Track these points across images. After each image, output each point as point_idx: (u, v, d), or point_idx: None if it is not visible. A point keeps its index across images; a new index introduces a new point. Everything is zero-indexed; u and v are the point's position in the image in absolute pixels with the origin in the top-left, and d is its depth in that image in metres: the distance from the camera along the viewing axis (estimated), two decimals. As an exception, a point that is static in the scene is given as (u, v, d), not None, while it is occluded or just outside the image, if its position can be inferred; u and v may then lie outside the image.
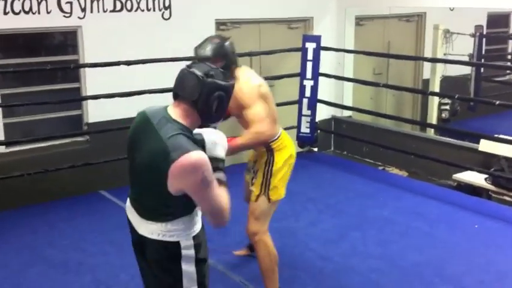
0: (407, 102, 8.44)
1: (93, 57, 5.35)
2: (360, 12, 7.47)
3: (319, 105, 6.62)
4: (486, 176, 5.69)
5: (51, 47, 5.64)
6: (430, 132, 7.32)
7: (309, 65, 6.39)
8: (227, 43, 3.26)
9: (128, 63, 5.16)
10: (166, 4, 5.85)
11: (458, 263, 4.06)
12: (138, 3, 5.65)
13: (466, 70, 8.16)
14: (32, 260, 4.11)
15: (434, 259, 4.10)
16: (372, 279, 3.84)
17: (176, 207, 2.24)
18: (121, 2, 5.55)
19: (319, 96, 6.54)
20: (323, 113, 7.08)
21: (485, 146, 5.82)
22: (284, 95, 6.71)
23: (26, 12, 5.04)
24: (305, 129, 6.52)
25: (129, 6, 5.60)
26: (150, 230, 2.28)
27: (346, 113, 7.35)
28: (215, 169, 2.23)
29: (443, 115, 7.84)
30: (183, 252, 2.27)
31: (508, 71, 9.37)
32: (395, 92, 7.74)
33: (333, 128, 7.44)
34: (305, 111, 6.49)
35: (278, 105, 6.50)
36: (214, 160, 2.25)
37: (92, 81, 5.47)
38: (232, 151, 3.10)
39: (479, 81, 8.21)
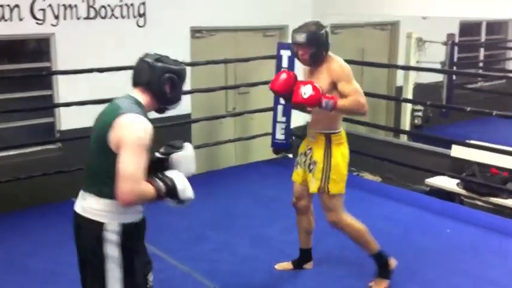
0: (381, 109, 8.53)
1: (65, 64, 5.31)
2: (335, 21, 7.54)
3: (294, 112, 6.65)
4: (458, 181, 5.78)
5: (23, 54, 5.59)
6: (404, 139, 7.42)
7: (284, 72, 6.42)
8: (322, 31, 3.44)
9: (101, 70, 5.13)
10: (141, 11, 5.84)
11: (432, 267, 4.10)
12: (113, 11, 5.63)
13: (439, 77, 8.29)
14: (6, 269, 4.05)
15: (408, 264, 4.13)
16: (346, 284, 3.86)
17: (110, 179, 2.31)
18: (95, 9, 5.52)
19: (294, 103, 6.57)
20: (298, 119, 7.11)
21: (457, 151, 5.92)
22: (259, 102, 6.75)
23: (-2, 19, 5.00)
24: (280, 135, 6.55)
25: (103, 13, 5.58)
26: (83, 207, 2.43)
27: (321, 120, 7.39)
28: (166, 189, 2.39)
29: (416, 121, 7.94)
30: (107, 234, 2.38)
31: (479, 79, 9.53)
32: (369, 98, 7.73)
33: (308, 134, 7.47)
34: (280, 117, 6.52)
35: (253, 112, 6.64)
36: (168, 178, 2.42)
37: (65, 89, 5.42)
38: (332, 109, 3.35)
39: (452, 88, 8.36)
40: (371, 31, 8.28)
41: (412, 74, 7.75)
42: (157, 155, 2.55)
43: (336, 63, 3.44)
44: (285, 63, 6.40)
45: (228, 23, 6.55)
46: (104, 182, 2.38)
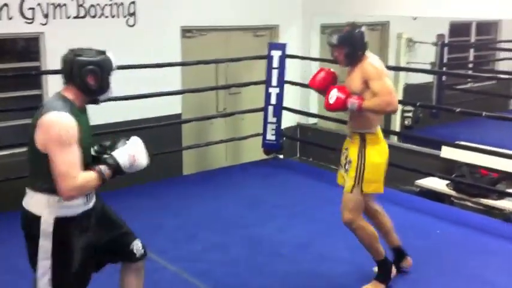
0: (372, 109, 8.53)
1: (55, 63, 5.23)
2: (325, 21, 7.54)
3: (284, 113, 6.66)
4: (448, 182, 5.80)
5: (12, 54, 5.54)
6: (393, 139, 7.43)
7: (275, 72, 6.43)
8: (355, 31, 3.48)
9: (92, 70, 5.10)
10: (131, 11, 5.81)
11: (424, 268, 4.11)
12: (102, 10, 5.60)
13: (429, 78, 8.32)
14: (2, 270, 4.01)
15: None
16: (340, 284, 3.86)
17: (45, 176, 2.48)
18: (85, 9, 5.49)
19: (285, 104, 6.58)
20: (289, 120, 7.12)
21: (447, 152, 5.94)
22: (250, 103, 6.74)
23: (-13, 18, 4.95)
24: (271, 136, 6.55)
25: (93, 12, 5.55)
26: (25, 200, 2.60)
27: (312, 121, 7.40)
28: (104, 163, 2.54)
29: (406, 122, 7.96)
30: (42, 226, 2.53)
31: (469, 79, 9.58)
32: (360, 99, 7.82)
33: (299, 135, 7.49)
34: (271, 118, 6.52)
35: (243, 112, 6.63)
36: (110, 158, 2.56)
37: (54, 88, 5.33)
38: (358, 110, 3.43)
39: (441, 89, 8.39)
40: (361, 31, 8.28)
41: (402, 75, 7.76)
42: (93, 153, 2.67)
43: (367, 62, 3.48)
44: (275, 63, 6.40)
45: (219, 22, 6.53)
46: (37, 177, 2.57)
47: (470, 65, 9.98)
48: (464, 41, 9.78)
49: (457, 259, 4.28)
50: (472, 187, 5.57)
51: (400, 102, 7.53)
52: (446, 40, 8.48)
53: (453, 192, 5.75)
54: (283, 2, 7.10)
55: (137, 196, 5.55)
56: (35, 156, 2.54)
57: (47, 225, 2.54)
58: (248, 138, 6.70)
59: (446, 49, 8.39)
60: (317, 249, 4.39)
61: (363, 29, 3.54)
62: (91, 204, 2.70)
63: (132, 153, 2.60)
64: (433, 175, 5.74)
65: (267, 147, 6.64)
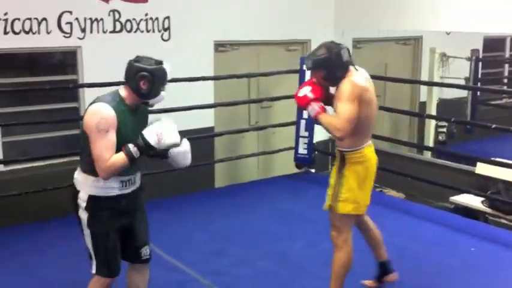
0: (404, 124, 8.47)
1: (92, 77, 5.38)
2: (358, 35, 7.54)
3: (316, 127, 6.64)
4: (483, 198, 5.70)
5: (50, 67, 5.68)
6: (427, 155, 7.35)
7: (307, 86, 6.42)
8: (331, 53, 3.33)
9: (127, 83, 5.18)
10: (166, 26, 5.91)
11: (455, 286, 4.04)
12: (138, 25, 5.71)
13: (463, 93, 8.21)
14: (28, 280, 4.08)
15: (431, 282, 4.09)
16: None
17: (86, 157, 2.88)
18: (121, 23, 5.61)
19: (317, 118, 6.56)
20: (321, 134, 7.10)
21: (482, 169, 5.84)
22: (282, 117, 6.75)
23: (26, 32, 5.09)
24: (303, 150, 6.54)
25: (128, 27, 5.66)
26: (74, 176, 3.01)
27: (344, 135, 7.37)
28: (135, 145, 2.84)
29: (440, 138, 7.87)
30: (79, 201, 2.95)
31: (503, 95, 9.42)
32: (392, 114, 7.78)
33: (331, 149, 7.45)
34: (303, 132, 6.52)
35: (275, 126, 6.64)
36: (141, 138, 2.85)
37: (90, 101, 5.48)
38: (314, 118, 3.40)
39: (476, 104, 8.26)
40: (394, 46, 8.25)
41: (436, 90, 7.69)
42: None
43: (344, 81, 3.32)
44: (307, 77, 6.40)
45: (251, 37, 6.59)
46: (81, 159, 2.99)
47: (505, 80, 9.82)
48: (498, 56, 9.64)
49: (490, 278, 4.18)
50: (508, 204, 5.46)
51: (434, 117, 7.57)
52: (481, 55, 8.37)
53: (488, 210, 5.65)
54: (315, 17, 7.12)
55: (168, 208, 5.60)
56: (82, 139, 2.90)
57: (82, 201, 2.94)
58: (280, 152, 6.71)
59: (480, 64, 8.27)
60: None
61: (341, 48, 3.38)
62: (127, 191, 3.01)
63: (158, 131, 2.88)
64: (468, 192, 5.65)
65: (299, 161, 6.63)
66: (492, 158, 5.62)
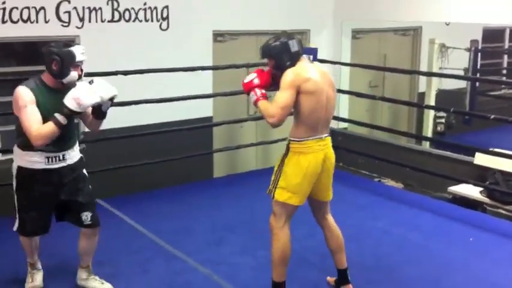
0: (403, 115, 8.47)
1: (90, 66, 5.34)
2: (357, 26, 7.52)
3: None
4: (481, 189, 5.71)
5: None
6: (426, 145, 7.35)
7: (306, 77, 6.41)
8: (276, 43, 3.43)
9: (125, 73, 5.16)
10: (164, 15, 5.87)
11: (455, 276, 4.06)
12: (136, 14, 5.68)
13: (462, 84, 8.20)
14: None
15: (430, 272, 4.10)
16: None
17: (17, 131, 3.38)
18: (119, 12, 5.57)
19: (316, 108, 6.55)
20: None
21: (480, 159, 5.85)
22: (280, 107, 6.72)
23: (24, 21, 5.06)
24: (301, 140, 6.52)
25: (127, 16, 5.63)
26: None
27: (342, 125, 7.37)
28: (61, 113, 3.20)
29: (438, 128, 7.87)
30: (12, 170, 3.46)
31: (502, 86, 9.41)
32: (391, 104, 7.77)
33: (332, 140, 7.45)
34: (301, 122, 6.50)
35: (274, 116, 6.62)
36: (64, 106, 3.20)
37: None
38: (254, 103, 3.51)
39: (475, 95, 8.26)
40: (393, 36, 8.22)
41: (435, 80, 7.67)
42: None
43: (285, 72, 3.38)
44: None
45: (250, 27, 6.56)
46: (15, 135, 3.42)
47: (504, 71, 9.81)
48: (497, 47, 9.63)
49: (489, 267, 4.20)
50: (506, 194, 5.47)
51: (433, 108, 7.56)
52: (480, 46, 8.36)
53: (486, 200, 5.66)
54: (314, 7, 7.09)
55: (168, 198, 5.61)
56: (15, 120, 3.34)
57: (14, 169, 3.46)
58: (278, 142, 6.70)
59: (479, 55, 8.26)
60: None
61: (290, 38, 3.43)
62: (54, 166, 3.42)
63: (75, 96, 3.18)
64: (466, 182, 5.66)
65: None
66: (491, 149, 5.62)
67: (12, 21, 5.00)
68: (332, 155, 3.58)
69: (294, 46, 3.42)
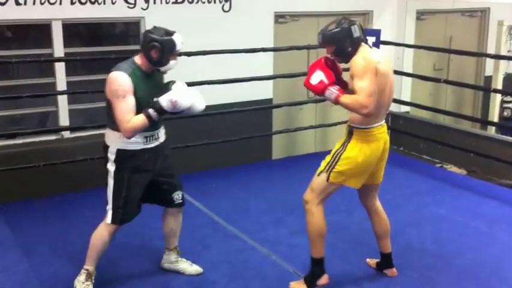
0: (468, 99, 8.23)
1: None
2: (421, 6, 7.33)
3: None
4: (549, 176, 5.51)
5: (114, 37, 5.81)
6: (491, 131, 7.13)
7: (368, 59, 6.32)
8: (338, 28, 3.32)
9: (189, 54, 5.22)
10: (227, -4, 5.91)
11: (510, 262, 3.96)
12: (200, -4, 5.74)
13: (531, 68, 7.89)
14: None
15: (492, 259, 4.02)
16: (427, 277, 3.79)
17: (112, 117, 3.25)
18: (183, -6, 5.65)
19: (377, 91, 6.46)
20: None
21: (549, 146, 5.63)
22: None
23: (92, 3, 5.21)
24: (361, 123, 6.46)
25: (190, -2, 5.70)
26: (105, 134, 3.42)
27: (404, 109, 7.24)
28: (151, 107, 3.18)
29: (505, 113, 7.62)
30: (108, 155, 3.36)
31: None
32: (455, 88, 7.57)
33: (390, 123, 7.32)
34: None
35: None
36: (156, 102, 3.18)
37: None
38: (334, 102, 3.33)
39: (544, 79, 7.92)
40: (459, 18, 7.98)
41: (503, 64, 7.40)
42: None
43: (355, 58, 3.29)
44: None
45: (311, 8, 6.51)
46: (108, 118, 3.32)
47: None
48: None
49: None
50: None
51: (501, 92, 7.31)
52: (552, 28, 7.98)
53: (554, 188, 5.46)
54: (378, -13, 6.96)
55: (227, 178, 5.69)
56: (106, 103, 3.29)
57: (111, 154, 3.35)
58: (337, 125, 6.66)
59: (551, 37, 7.89)
60: (404, 239, 4.31)
61: (352, 23, 3.33)
62: (151, 146, 3.39)
63: (174, 99, 3.16)
64: (533, 169, 5.47)
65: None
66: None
67: (80, 3, 5.16)
68: (388, 140, 3.57)
69: (356, 31, 3.33)
